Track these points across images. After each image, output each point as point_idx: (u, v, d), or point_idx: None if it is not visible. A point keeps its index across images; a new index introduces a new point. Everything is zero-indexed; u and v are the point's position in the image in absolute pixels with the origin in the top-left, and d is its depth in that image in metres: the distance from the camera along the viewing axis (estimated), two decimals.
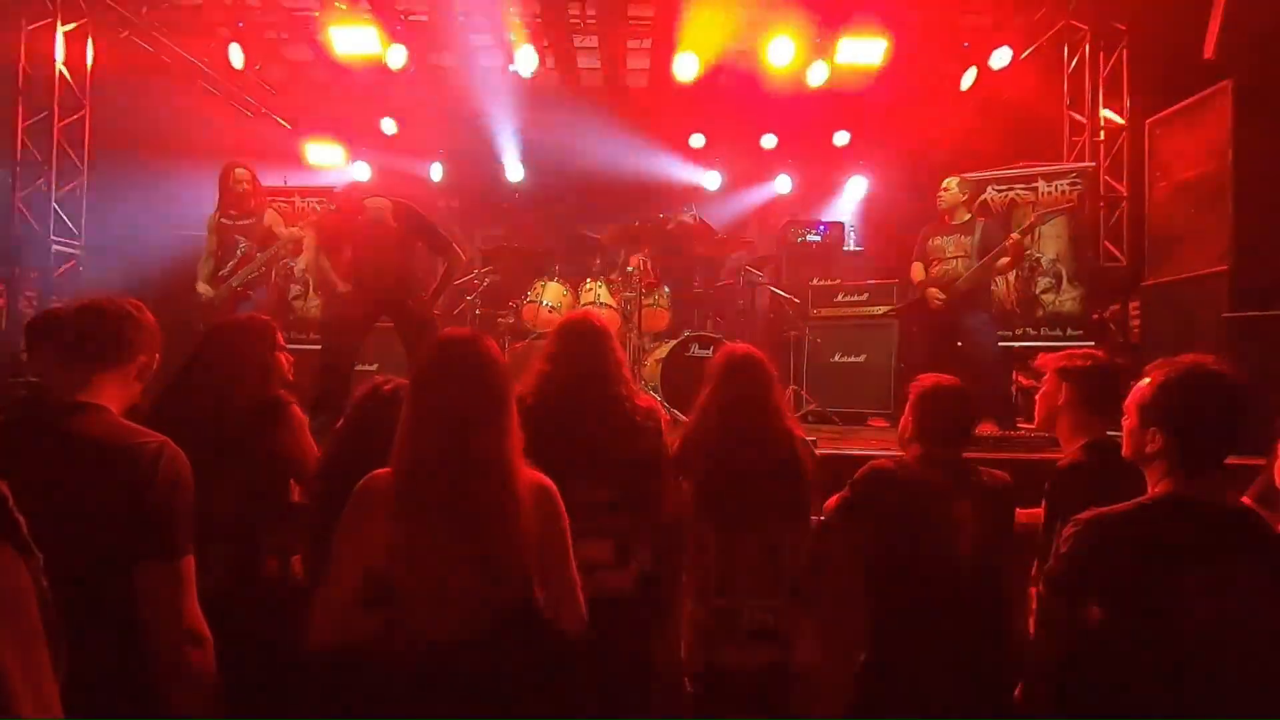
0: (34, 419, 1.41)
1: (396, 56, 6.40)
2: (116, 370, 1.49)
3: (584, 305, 5.72)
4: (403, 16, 6.46)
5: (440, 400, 1.56)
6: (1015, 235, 4.51)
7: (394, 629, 1.50)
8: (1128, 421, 1.70)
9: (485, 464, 1.54)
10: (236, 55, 6.40)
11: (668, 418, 2.33)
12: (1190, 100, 4.62)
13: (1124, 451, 1.72)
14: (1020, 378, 5.95)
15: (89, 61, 6.05)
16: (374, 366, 4.94)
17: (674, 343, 5.35)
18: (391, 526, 1.49)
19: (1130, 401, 1.69)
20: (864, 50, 6.29)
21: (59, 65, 5.84)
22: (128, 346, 1.49)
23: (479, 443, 1.54)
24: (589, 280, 5.90)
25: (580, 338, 2.23)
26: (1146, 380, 1.66)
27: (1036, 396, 2.36)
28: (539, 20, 6.59)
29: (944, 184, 4.79)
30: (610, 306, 5.70)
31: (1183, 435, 1.59)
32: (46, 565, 1.27)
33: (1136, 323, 5.54)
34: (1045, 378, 2.30)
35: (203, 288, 4.62)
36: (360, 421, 2.05)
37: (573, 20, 6.64)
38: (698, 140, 8.02)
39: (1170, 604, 1.51)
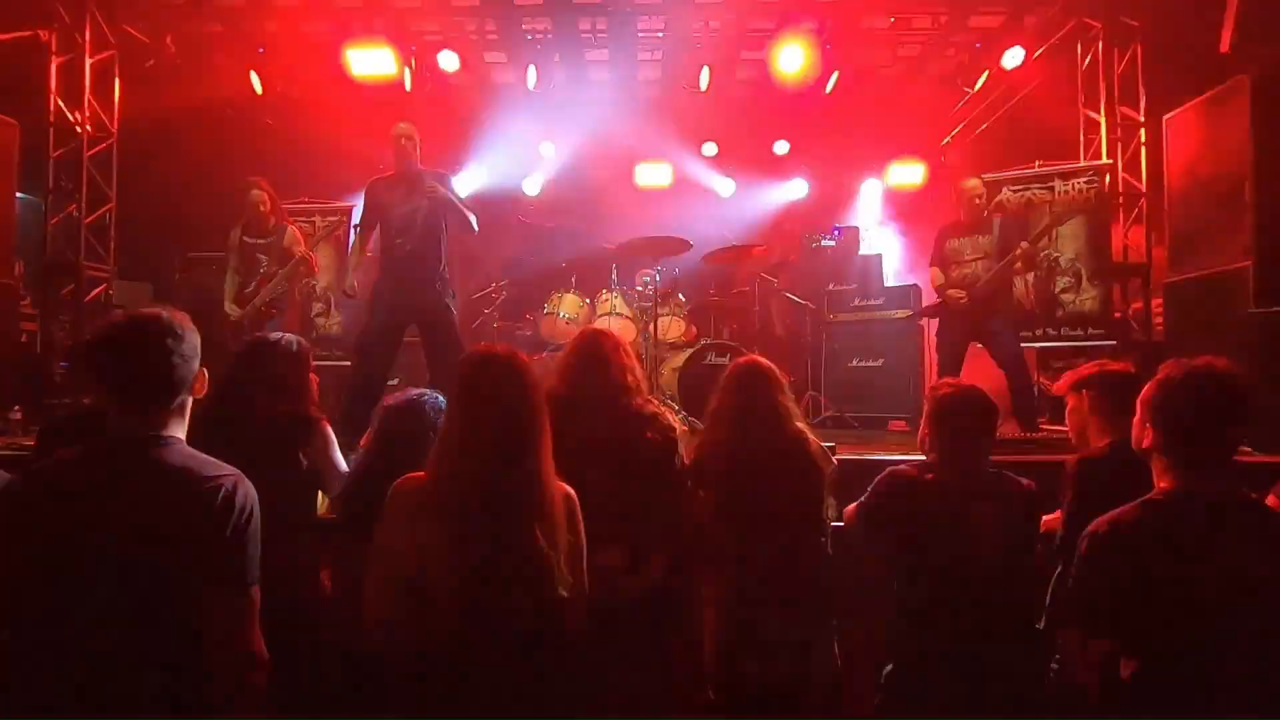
0: (115, 449, 1.48)
1: (411, 77, 6.52)
2: (180, 404, 1.56)
3: (600, 316, 5.77)
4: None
5: (481, 412, 1.64)
6: (1024, 245, 4.48)
7: (423, 628, 1.56)
8: (1135, 416, 1.75)
9: (523, 474, 1.62)
10: (256, 81, 6.59)
11: (683, 427, 2.36)
12: (1207, 95, 4.57)
13: (1132, 444, 1.77)
14: (1043, 379, 5.89)
15: (116, 92, 6.24)
16: (395, 381, 5.02)
17: (691, 351, 5.37)
18: (426, 529, 1.56)
19: (1139, 397, 1.75)
20: (875, 54, 6.31)
21: (87, 96, 6.03)
22: (186, 381, 1.54)
23: (518, 454, 1.63)
24: (605, 291, 5.95)
25: (593, 351, 2.27)
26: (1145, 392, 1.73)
27: (1066, 415, 2.47)
28: (550, 36, 6.68)
29: (967, 184, 4.76)
30: (626, 317, 5.74)
31: (1171, 431, 1.64)
32: (122, 590, 1.37)
33: (1159, 321, 5.47)
34: (1066, 398, 2.42)
35: (230, 307, 4.73)
36: (387, 434, 2.11)
37: (584, 35, 6.72)
38: (710, 148, 8.05)
39: (1181, 596, 1.52)
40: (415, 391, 2.20)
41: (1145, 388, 1.72)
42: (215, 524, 1.44)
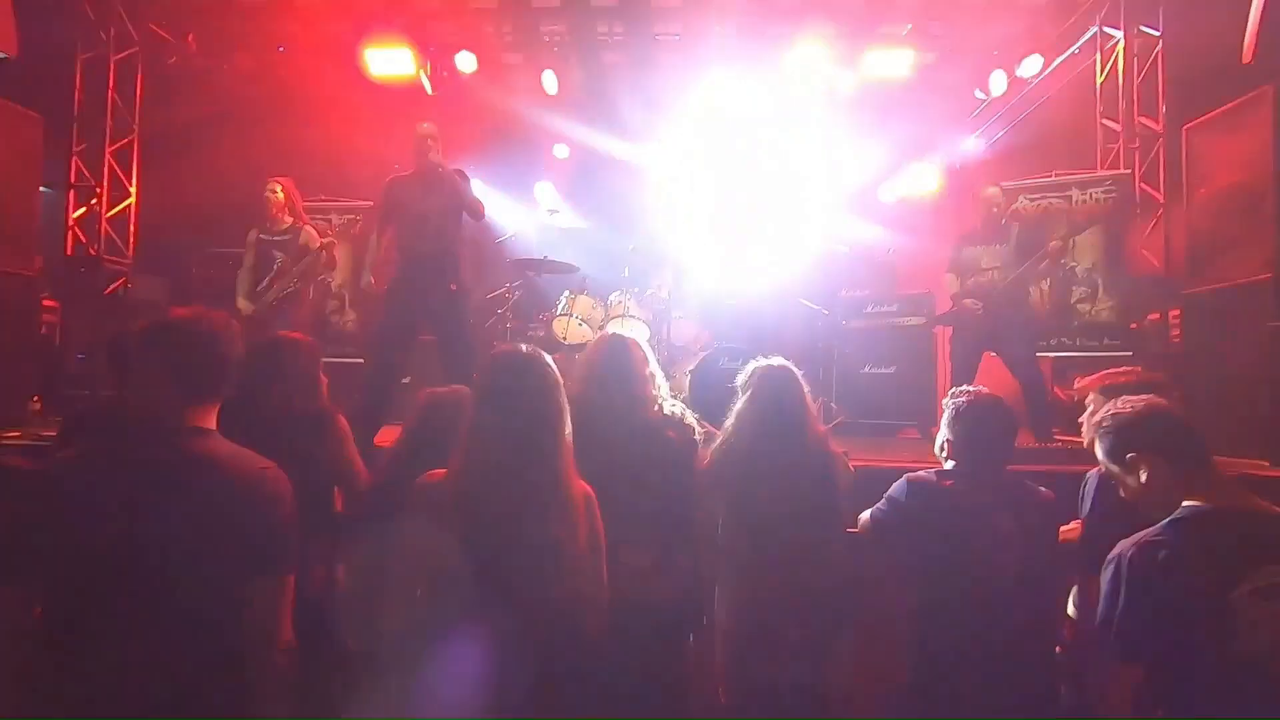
0: (162, 438, 1.50)
1: (430, 79, 6.57)
2: (221, 398, 1.61)
3: (613, 318, 5.77)
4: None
5: (505, 412, 1.66)
6: (1056, 241, 4.46)
7: (440, 624, 1.57)
8: (1121, 478, 1.76)
9: (543, 472, 1.65)
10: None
11: (700, 430, 2.36)
12: (1229, 105, 4.54)
13: (1135, 499, 1.75)
14: (1057, 389, 5.85)
15: (138, 88, 6.33)
16: (407, 380, 5.03)
17: (704, 355, 5.36)
18: (447, 525, 1.58)
19: (1106, 459, 1.78)
20: (891, 61, 6.30)
21: (110, 92, 6.11)
22: (231, 379, 1.61)
23: (538, 452, 1.65)
24: (618, 293, 5.95)
25: (614, 353, 2.28)
26: (1099, 438, 1.79)
27: (1082, 420, 2.36)
28: (568, 38, 6.71)
29: (985, 192, 4.73)
30: (639, 319, 5.74)
31: (1183, 458, 1.67)
32: (168, 575, 1.39)
33: (1176, 333, 5.42)
34: (1090, 398, 2.31)
35: (242, 303, 4.75)
36: (423, 432, 2.11)
37: (600, 37, 6.75)
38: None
39: (1221, 609, 1.51)
40: (448, 390, 2.20)
41: (1108, 448, 1.76)
42: (262, 512, 1.49)
